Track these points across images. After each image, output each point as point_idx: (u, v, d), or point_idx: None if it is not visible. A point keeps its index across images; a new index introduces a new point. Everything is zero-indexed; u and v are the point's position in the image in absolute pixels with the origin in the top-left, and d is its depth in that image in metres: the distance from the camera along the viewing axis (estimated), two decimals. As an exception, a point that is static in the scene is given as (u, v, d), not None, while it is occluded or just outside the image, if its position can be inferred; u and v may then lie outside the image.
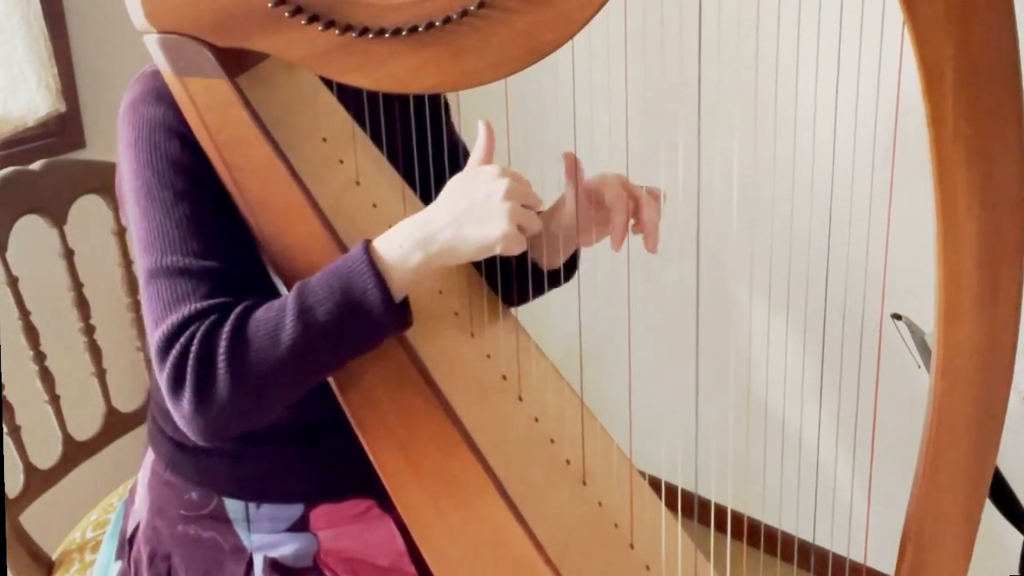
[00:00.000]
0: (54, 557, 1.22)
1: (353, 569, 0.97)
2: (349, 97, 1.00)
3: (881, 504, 0.98)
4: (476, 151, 0.88)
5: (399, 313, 0.83)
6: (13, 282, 1.20)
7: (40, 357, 1.24)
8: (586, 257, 1.12)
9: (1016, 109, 0.70)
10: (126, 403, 1.35)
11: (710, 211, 1.00)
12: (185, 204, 0.86)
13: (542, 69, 0.80)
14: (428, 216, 0.84)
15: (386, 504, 0.93)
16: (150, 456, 1.04)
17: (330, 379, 0.87)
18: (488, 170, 0.84)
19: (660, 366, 1.41)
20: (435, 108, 1.05)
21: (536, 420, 0.97)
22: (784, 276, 0.99)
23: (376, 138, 1.02)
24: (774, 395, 1.63)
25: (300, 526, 0.98)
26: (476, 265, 1.04)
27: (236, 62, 0.88)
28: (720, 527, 1.44)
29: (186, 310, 0.83)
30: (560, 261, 1.06)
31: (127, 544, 1.04)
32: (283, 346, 0.81)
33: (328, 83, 0.98)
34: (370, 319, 0.82)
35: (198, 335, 0.82)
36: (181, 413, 0.83)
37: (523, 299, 1.06)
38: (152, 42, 0.85)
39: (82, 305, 1.27)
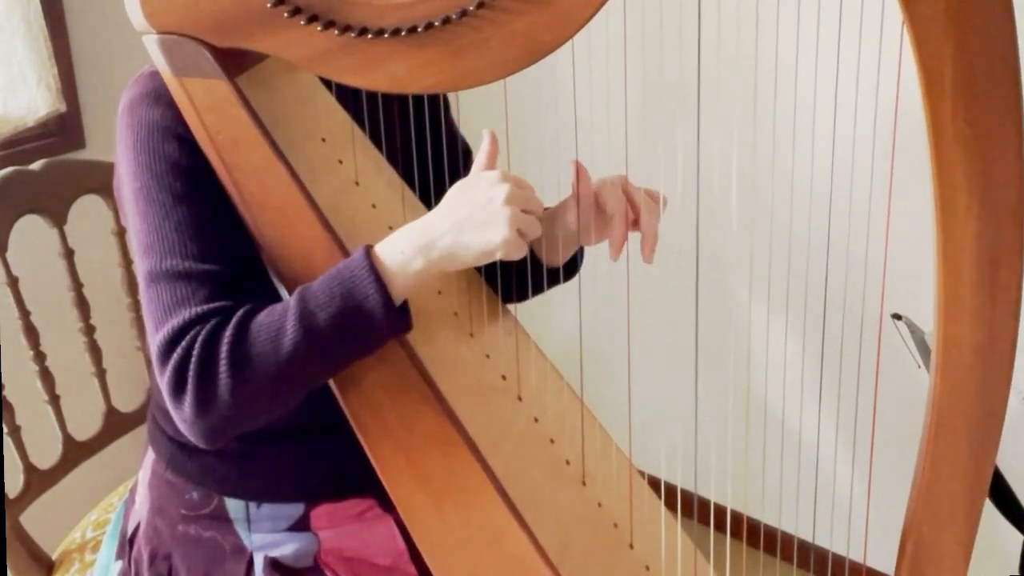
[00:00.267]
0: (54, 557, 1.22)
1: (353, 569, 0.97)
2: (348, 97, 1.00)
3: (881, 504, 0.98)
4: (479, 159, 0.89)
5: (399, 318, 0.83)
6: (13, 282, 1.20)
7: (40, 357, 1.24)
8: (586, 257, 1.12)
9: (1015, 109, 0.70)
10: (126, 403, 1.35)
11: (710, 211, 1.00)
12: (184, 206, 0.85)
13: (541, 69, 0.80)
14: (429, 221, 0.84)
15: (386, 504, 0.93)
16: (150, 456, 1.04)
17: (330, 380, 0.87)
18: (489, 175, 0.84)
19: (660, 366, 1.41)
20: (434, 108, 1.05)
21: (536, 420, 0.98)
22: (784, 276, 0.99)
23: (375, 138, 1.02)
24: (774, 395, 1.63)
25: (301, 526, 0.98)
26: None
27: (235, 63, 0.88)
28: (720, 527, 1.44)
29: (186, 314, 0.83)
30: (561, 260, 1.06)
31: (127, 544, 1.04)
32: (284, 350, 0.81)
33: (327, 83, 0.98)
34: (371, 324, 0.82)
35: (199, 339, 0.82)
36: (183, 417, 0.83)
37: (523, 296, 1.07)
38: (151, 43, 0.85)
39: (82, 305, 1.27)
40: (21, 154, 1.54)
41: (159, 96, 0.87)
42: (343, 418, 0.87)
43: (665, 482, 1.01)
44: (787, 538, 1.68)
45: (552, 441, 0.97)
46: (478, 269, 1.05)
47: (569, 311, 1.03)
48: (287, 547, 0.97)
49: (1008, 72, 0.69)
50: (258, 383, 0.82)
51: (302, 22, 0.81)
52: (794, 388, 1.63)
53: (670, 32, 0.90)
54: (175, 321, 0.83)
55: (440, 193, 1.04)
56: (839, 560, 1.55)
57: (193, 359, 0.82)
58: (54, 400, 1.26)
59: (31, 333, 1.22)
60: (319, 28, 0.80)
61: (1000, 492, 0.94)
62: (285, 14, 0.81)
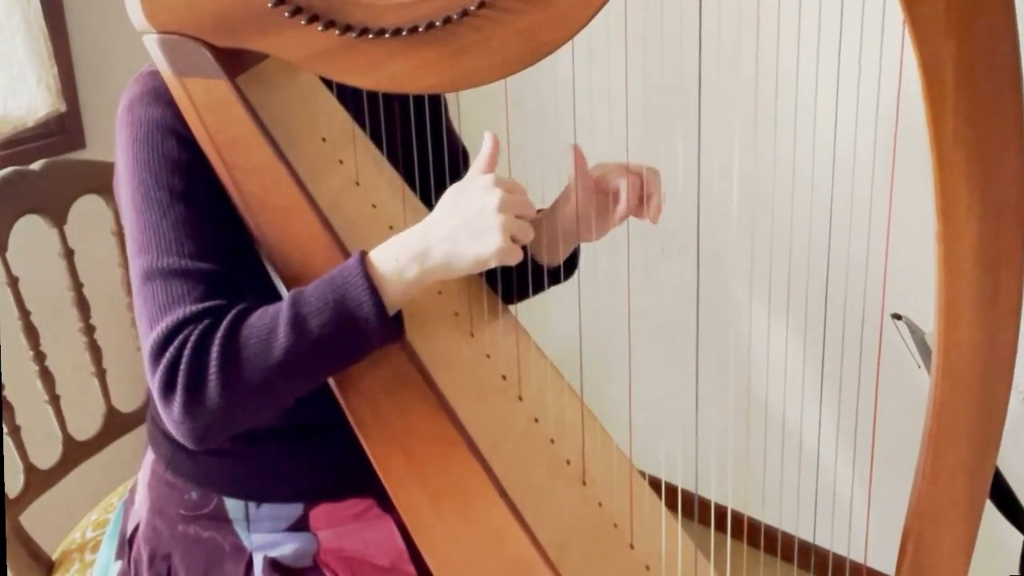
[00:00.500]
0: (54, 557, 1.22)
1: (353, 569, 0.97)
2: (348, 97, 1.00)
3: (881, 504, 0.98)
4: (478, 161, 0.89)
5: (392, 326, 0.83)
6: (13, 282, 1.20)
7: (40, 357, 1.24)
8: (586, 257, 1.12)
9: (1016, 109, 0.70)
10: (126, 403, 1.35)
11: (710, 211, 1.00)
12: (182, 205, 0.85)
13: (542, 69, 0.80)
14: (424, 230, 0.84)
15: (386, 504, 0.93)
16: (150, 456, 1.04)
17: (330, 379, 0.87)
18: (482, 181, 0.84)
19: (660, 366, 1.41)
20: (435, 108, 1.05)
21: (536, 420, 0.97)
22: (784, 276, 0.99)
23: (376, 138, 1.02)
24: (774, 395, 1.63)
25: (300, 526, 0.98)
26: None
27: (236, 62, 0.88)
28: (720, 527, 1.44)
29: (180, 313, 0.83)
30: (560, 258, 1.06)
31: (127, 544, 1.04)
32: (275, 355, 0.81)
33: (328, 83, 0.98)
34: (363, 332, 0.82)
35: (191, 340, 0.82)
36: (171, 417, 0.83)
37: (523, 296, 1.07)
38: (151, 42, 0.85)
39: (82, 305, 1.27)
40: (21, 154, 1.54)
41: (159, 95, 0.87)
42: (343, 418, 0.87)
43: (665, 482, 1.01)
44: (787, 538, 1.68)
45: (552, 441, 0.97)
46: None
47: (569, 311, 1.03)
48: (286, 547, 0.97)
49: (1009, 72, 0.69)
50: (247, 386, 0.82)
51: (302, 22, 0.81)
52: (794, 388, 1.63)
53: (671, 32, 0.90)
54: (169, 320, 0.83)
55: (440, 193, 1.04)
56: (839, 560, 1.55)
57: (183, 360, 0.81)
58: (54, 400, 1.25)
59: (31, 333, 1.22)
60: (319, 28, 0.80)
61: (1000, 492, 0.94)
62: (286, 14, 0.81)
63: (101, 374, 1.31)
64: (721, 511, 1.43)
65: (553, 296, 1.09)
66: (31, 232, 1.22)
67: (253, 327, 0.82)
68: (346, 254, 0.86)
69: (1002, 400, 0.77)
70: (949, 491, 0.79)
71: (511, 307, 1.08)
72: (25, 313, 1.21)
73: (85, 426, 1.30)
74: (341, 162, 0.98)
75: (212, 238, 0.86)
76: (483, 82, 0.80)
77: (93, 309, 1.28)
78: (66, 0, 1.59)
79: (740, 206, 1.51)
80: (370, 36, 0.80)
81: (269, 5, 0.81)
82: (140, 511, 1.04)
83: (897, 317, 1.02)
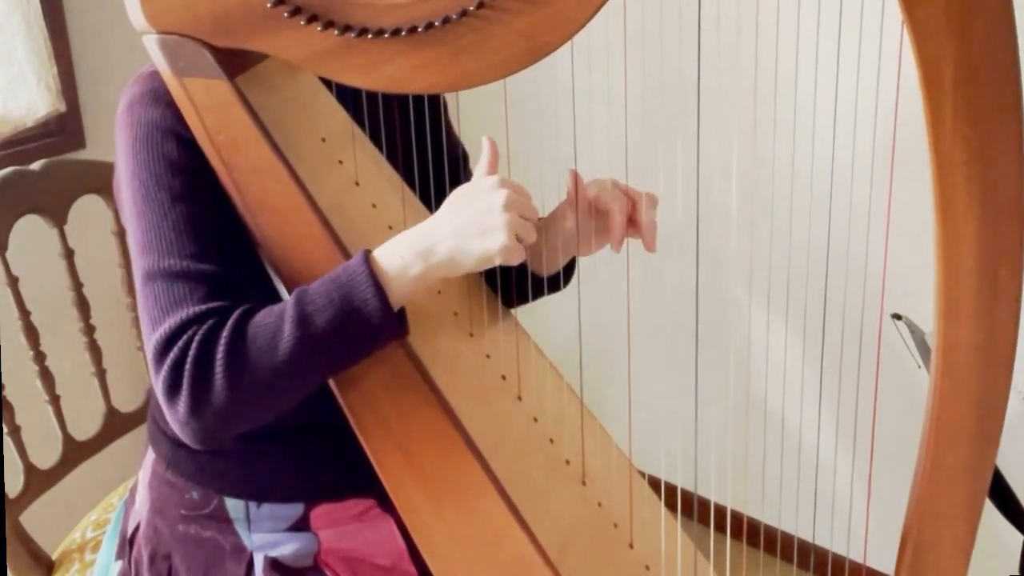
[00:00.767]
0: (54, 557, 1.22)
1: (353, 569, 0.97)
2: (348, 97, 1.00)
3: (881, 504, 0.98)
4: (480, 166, 0.89)
5: (397, 323, 0.84)
6: (13, 282, 1.20)
7: (40, 357, 1.24)
8: (586, 258, 1.11)
9: (1015, 109, 0.70)
10: (126, 403, 1.35)
11: (709, 211, 1.00)
12: (182, 206, 0.85)
13: (541, 69, 0.80)
14: (429, 227, 0.84)
15: (386, 504, 0.93)
16: (150, 456, 1.04)
17: (330, 379, 0.87)
18: (488, 181, 0.84)
19: (660, 366, 1.41)
20: (434, 108, 1.05)
21: (535, 420, 0.98)
22: (784, 276, 0.99)
23: (375, 138, 1.02)
24: (774, 395, 1.63)
25: (300, 525, 0.98)
26: None
27: (235, 62, 0.88)
28: (720, 527, 1.44)
29: (183, 314, 0.83)
30: (559, 266, 1.06)
31: (127, 544, 1.04)
32: (280, 353, 0.81)
33: (327, 83, 0.98)
34: (368, 329, 0.82)
35: (196, 340, 0.82)
36: (176, 417, 0.83)
37: (522, 301, 1.07)
38: (151, 43, 0.85)
39: (82, 305, 1.27)
40: (21, 154, 1.54)
41: (159, 96, 0.87)
42: (343, 418, 0.87)
43: (665, 482, 1.01)
44: (787, 538, 1.68)
45: (552, 441, 0.97)
46: (478, 272, 1.05)
47: (569, 311, 1.03)
48: (287, 547, 0.97)
49: (1008, 72, 0.69)
50: (253, 385, 0.82)
51: (302, 22, 0.81)
52: (794, 388, 1.63)
53: (670, 32, 0.90)
54: (172, 321, 0.83)
55: (440, 193, 1.04)
56: (839, 560, 1.55)
57: (189, 360, 0.81)
58: (54, 400, 1.26)
59: (31, 333, 1.22)
60: (319, 28, 0.80)
61: (1000, 492, 0.94)
62: (285, 14, 0.81)
63: (101, 374, 1.31)
64: (721, 511, 1.43)
65: (552, 296, 1.09)
66: (31, 232, 1.22)
67: (258, 326, 0.82)
68: (346, 254, 0.87)
69: (1002, 400, 0.77)
70: (949, 491, 0.79)
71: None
72: (25, 313, 1.21)
73: (85, 426, 1.30)
74: (341, 162, 0.98)
75: (213, 239, 0.86)
76: (482, 82, 0.80)
77: (93, 309, 1.29)
78: (66, 0, 1.59)
79: (740, 206, 1.51)
80: (369, 36, 0.80)
81: (268, 5, 0.81)
82: (140, 511, 1.04)
83: (897, 317, 1.02)
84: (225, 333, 0.82)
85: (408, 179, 1.02)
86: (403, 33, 0.79)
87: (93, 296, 1.28)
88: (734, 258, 1.64)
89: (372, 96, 1.00)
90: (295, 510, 0.98)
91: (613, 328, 1.16)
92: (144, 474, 1.05)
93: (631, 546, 0.95)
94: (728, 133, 1.05)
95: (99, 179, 1.26)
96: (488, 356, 0.99)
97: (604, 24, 0.79)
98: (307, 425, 0.95)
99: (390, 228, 0.97)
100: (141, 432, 1.20)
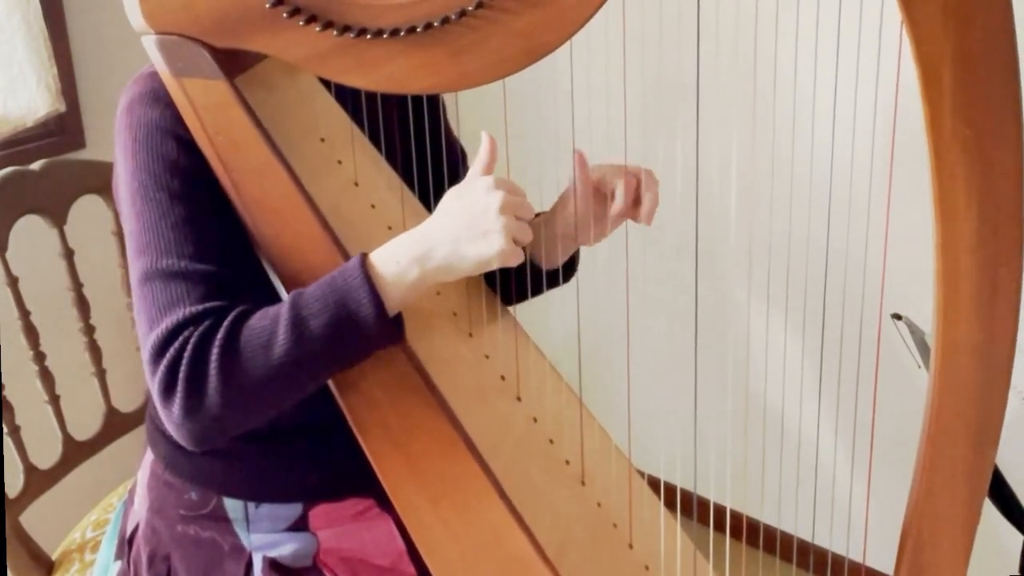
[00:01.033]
0: (54, 557, 1.22)
1: (352, 569, 0.97)
2: (347, 98, 1.00)
3: (880, 504, 0.98)
4: (477, 162, 0.88)
5: (392, 328, 0.83)
6: (13, 282, 1.20)
7: (40, 357, 1.24)
8: (585, 257, 1.12)
9: (1014, 109, 0.70)
10: (126, 403, 1.35)
11: (709, 211, 1.00)
12: (181, 206, 0.85)
13: (540, 69, 0.80)
14: (425, 231, 0.84)
15: (386, 504, 0.93)
16: (149, 456, 1.04)
17: (329, 379, 0.87)
18: (483, 183, 0.84)
19: (659, 366, 1.41)
20: (433, 108, 1.05)
21: (535, 420, 0.98)
22: (783, 276, 0.99)
23: (374, 138, 1.02)
24: (773, 395, 1.63)
25: (299, 526, 0.98)
26: None
27: (234, 63, 0.88)
28: (719, 527, 1.44)
29: (180, 314, 0.83)
30: (559, 261, 1.06)
31: (127, 544, 1.04)
32: (275, 356, 0.81)
33: (326, 83, 0.98)
34: (363, 334, 0.82)
35: (191, 341, 0.82)
36: (171, 419, 0.83)
37: (522, 298, 1.07)
38: (150, 43, 0.85)
39: (82, 305, 1.27)
40: (21, 154, 1.54)
41: (158, 96, 0.87)
42: (342, 418, 0.87)
43: (664, 482, 1.01)
44: (786, 538, 1.68)
45: (551, 441, 0.97)
46: None
47: (568, 311, 1.03)
48: (286, 547, 0.97)
49: (1007, 72, 0.69)
50: (248, 388, 0.82)
51: (301, 22, 0.81)
52: (794, 388, 1.63)
53: (670, 32, 0.90)
54: (168, 321, 0.83)
55: (439, 193, 1.04)
56: (839, 560, 1.55)
57: (184, 361, 0.81)
58: (54, 400, 1.26)
59: (31, 333, 1.22)
60: (318, 28, 0.80)
61: (1000, 492, 0.94)
62: (284, 14, 0.81)
63: (101, 374, 1.31)
64: (720, 511, 1.43)
65: (552, 296, 1.09)
66: (31, 232, 1.22)
67: (253, 328, 0.82)
68: (345, 255, 0.86)
69: (1001, 400, 0.77)
70: (948, 491, 0.79)
71: (510, 307, 1.08)
72: (25, 313, 1.21)
73: (85, 426, 1.31)
74: (340, 163, 0.98)
75: (212, 239, 0.86)
76: (482, 82, 0.80)
77: (93, 309, 1.29)
78: (66, 0, 1.59)
79: (739, 206, 1.51)
80: (368, 36, 0.80)
81: (267, 5, 0.81)
82: (140, 511, 1.04)
83: (897, 317, 1.02)
84: (220, 335, 0.82)
85: (407, 179, 1.02)
86: (402, 33, 0.79)
87: (93, 296, 1.28)
88: (733, 258, 1.64)
89: (371, 96, 1.00)
90: (294, 510, 0.98)
91: (613, 328, 1.16)
92: (143, 474, 1.05)
93: (631, 546, 0.95)
94: (727, 132, 1.05)
95: (99, 179, 1.26)
96: (487, 356, 0.99)
97: (603, 24, 0.79)
98: (305, 425, 0.95)
99: (389, 228, 0.97)
100: (141, 432, 1.20)
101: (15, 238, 1.19)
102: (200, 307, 0.83)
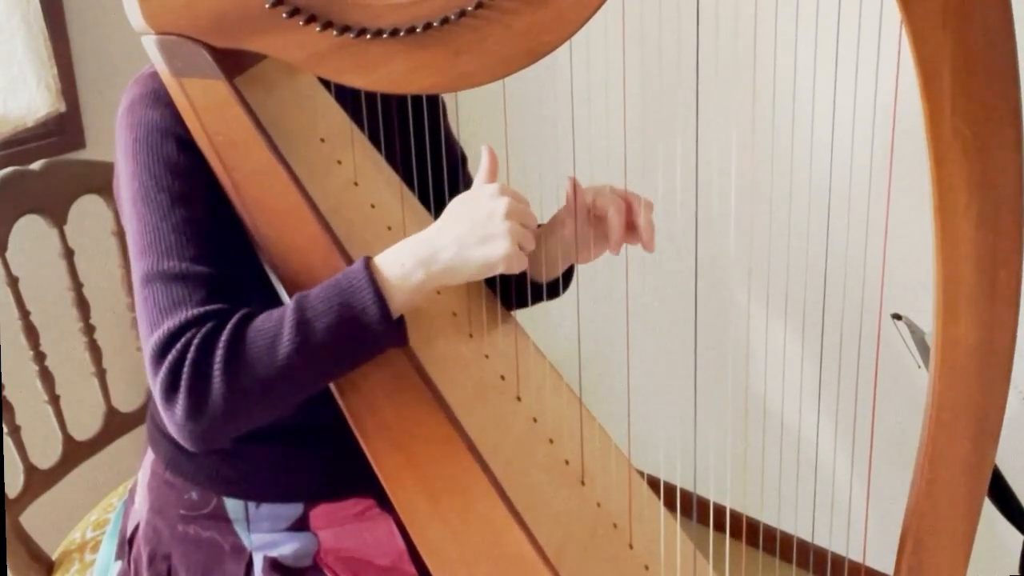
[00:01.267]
0: (54, 557, 1.22)
1: (353, 569, 0.97)
2: (347, 98, 1.00)
3: (880, 503, 0.98)
4: (480, 172, 0.88)
5: (396, 331, 0.84)
6: (13, 282, 1.20)
7: (40, 357, 1.24)
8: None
9: (1014, 108, 0.70)
10: (126, 403, 1.35)
11: (709, 211, 1.00)
12: (182, 208, 0.85)
13: (540, 69, 0.80)
14: (431, 235, 0.84)
15: (386, 503, 0.93)
16: (149, 456, 1.04)
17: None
18: (489, 189, 0.84)
19: (659, 366, 1.41)
20: (433, 108, 1.05)
21: (535, 420, 0.98)
22: (783, 276, 0.99)
23: (374, 139, 1.02)
24: (773, 395, 1.63)
25: (300, 525, 0.98)
26: None
27: (234, 63, 0.88)
28: (719, 526, 1.44)
29: (182, 316, 0.83)
30: (558, 273, 1.06)
31: (127, 544, 1.04)
32: (279, 358, 0.81)
33: (326, 84, 0.98)
34: (367, 336, 0.82)
35: (194, 342, 0.82)
36: (173, 420, 0.83)
37: (521, 306, 1.07)
38: (150, 43, 0.85)
39: (82, 305, 1.27)
40: (21, 154, 1.54)
41: (159, 97, 0.87)
42: (342, 418, 0.87)
43: (664, 482, 1.01)
44: (786, 538, 1.68)
45: (551, 441, 0.97)
46: None
47: (568, 311, 1.03)
48: (286, 547, 0.97)
49: (1006, 70, 0.69)
50: (252, 390, 0.82)
51: (300, 22, 0.81)
52: (793, 388, 1.63)
53: (669, 32, 0.90)
54: (171, 323, 0.83)
55: (438, 193, 1.04)
56: (838, 560, 1.55)
57: (187, 363, 0.81)
58: (54, 400, 1.26)
59: (31, 333, 1.22)
60: (317, 28, 0.80)
61: (1000, 492, 0.94)
62: (284, 14, 0.81)
63: (101, 374, 1.31)
64: (720, 510, 1.43)
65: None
66: (31, 232, 1.22)
67: (258, 330, 0.82)
68: (345, 254, 0.87)
69: (1001, 399, 0.77)
70: (948, 490, 0.79)
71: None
72: (25, 313, 1.22)
73: (85, 426, 1.31)
74: (340, 163, 0.98)
75: (213, 241, 0.86)
76: (481, 82, 0.80)
77: (93, 309, 1.29)
78: (66, 0, 1.59)
79: (739, 206, 1.51)
80: (368, 37, 0.80)
81: (267, 5, 0.81)
82: (140, 511, 1.04)
83: (897, 317, 1.02)
84: (224, 337, 0.82)
85: (407, 179, 1.02)
86: (402, 33, 0.79)
87: (93, 296, 1.28)
88: (733, 258, 1.64)
89: (371, 96, 1.00)
90: (294, 510, 0.98)
91: (613, 328, 1.16)
92: (143, 474, 1.05)
93: (630, 546, 0.95)
94: (727, 133, 1.05)
95: (99, 179, 1.26)
96: (487, 356, 0.99)
97: (603, 24, 0.79)
98: (306, 425, 0.95)
99: (389, 228, 0.97)
100: (141, 432, 1.20)
101: (15, 238, 1.19)
102: (202, 309, 0.83)
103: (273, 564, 0.96)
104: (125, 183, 0.88)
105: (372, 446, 0.87)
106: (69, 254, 1.26)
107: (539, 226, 1.02)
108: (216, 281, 0.85)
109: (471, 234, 0.83)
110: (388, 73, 0.81)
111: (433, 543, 0.87)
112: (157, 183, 0.86)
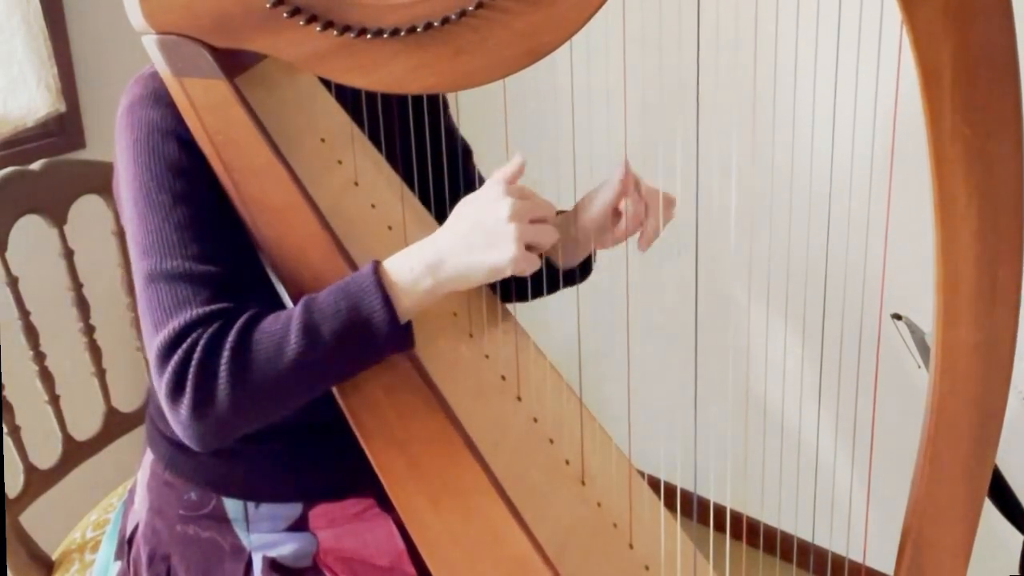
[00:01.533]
0: (54, 557, 1.22)
1: (352, 569, 0.97)
2: (348, 97, 1.00)
3: (880, 504, 0.98)
4: (499, 170, 0.87)
5: (403, 336, 0.84)
6: (13, 282, 1.20)
7: (40, 357, 1.24)
8: (585, 257, 1.11)
9: (1014, 109, 0.70)
10: (126, 403, 1.35)
11: (709, 211, 1.00)
12: (183, 207, 0.85)
13: (540, 69, 0.80)
14: (438, 240, 0.84)
15: (386, 504, 0.93)
16: (149, 456, 1.04)
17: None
18: (493, 191, 0.83)
19: (659, 366, 1.41)
20: (434, 108, 1.05)
21: (535, 420, 0.98)
22: (783, 276, 0.99)
23: (375, 138, 1.02)
24: (773, 395, 1.63)
25: (299, 526, 0.98)
26: None
27: (234, 63, 0.88)
28: (719, 527, 1.44)
29: (187, 316, 0.83)
30: (577, 261, 1.06)
31: (127, 544, 1.04)
32: (286, 360, 0.81)
33: (327, 83, 0.98)
34: (374, 340, 0.82)
35: (201, 342, 0.82)
36: (178, 420, 0.83)
37: (537, 295, 1.06)
38: (150, 43, 0.85)
39: (82, 305, 1.27)
40: (21, 154, 1.54)
41: (159, 97, 0.87)
42: (342, 418, 0.87)
43: (664, 482, 1.01)
44: (787, 538, 1.68)
45: (551, 441, 0.97)
46: None
47: (568, 311, 1.03)
48: (286, 547, 0.97)
49: (1007, 72, 0.69)
50: (258, 391, 0.82)
51: (301, 22, 0.81)
52: (794, 388, 1.63)
53: (669, 33, 0.90)
54: (176, 323, 0.83)
55: (439, 193, 1.04)
56: (839, 560, 1.55)
57: (193, 363, 0.81)
58: (54, 400, 1.26)
59: (31, 333, 1.22)
60: (318, 28, 0.80)
61: (1000, 492, 0.94)
62: (284, 14, 0.81)
63: (101, 374, 1.31)
64: (720, 511, 1.43)
65: (552, 296, 1.09)
66: (31, 232, 1.22)
67: (265, 331, 0.82)
68: (345, 254, 0.87)
69: (1001, 399, 0.77)
70: (948, 491, 0.79)
71: (510, 307, 1.08)
72: (25, 313, 1.22)
73: (85, 426, 1.31)
74: (340, 162, 0.98)
75: (215, 240, 0.86)
76: (482, 82, 0.80)
77: (93, 309, 1.29)
78: (66, 0, 1.59)
79: (739, 206, 1.50)
80: (369, 36, 0.80)
81: (268, 5, 0.81)
82: (139, 511, 1.04)
83: (897, 317, 1.02)
84: (231, 337, 0.82)
85: (408, 179, 1.02)
86: (402, 33, 0.79)
87: (93, 296, 1.28)
88: (734, 258, 1.64)
89: (371, 96, 1.00)
90: (294, 510, 0.98)
91: (613, 328, 1.16)
92: (143, 475, 1.05)
93: (631, 546, 0.95)
94: (727, 133, 1.05)
95: (99, 179, 1.26)
96: (487, 356, 0.99)
97: (603, 24, 0.79)
98: (306, 425, 0.95)
99: (389, 228, 0.97)
100: (141, 432, 1.20)
101: (15, 238, 1.19)
102: (208, 308, 0.83)
103: (272, 564, 0.96)
104: (126, 183, 0.88)
105: (372, 446, 0.87)
106: (69, 254, 1.26)
107: (560, 213, 1.01)
108: (220, 280, 0.85)
109: (477, 240, 0.82)
110: (389, 73, 0.81)
111: (433, 543, 0.87)
112: (158, 183, 0.86)
